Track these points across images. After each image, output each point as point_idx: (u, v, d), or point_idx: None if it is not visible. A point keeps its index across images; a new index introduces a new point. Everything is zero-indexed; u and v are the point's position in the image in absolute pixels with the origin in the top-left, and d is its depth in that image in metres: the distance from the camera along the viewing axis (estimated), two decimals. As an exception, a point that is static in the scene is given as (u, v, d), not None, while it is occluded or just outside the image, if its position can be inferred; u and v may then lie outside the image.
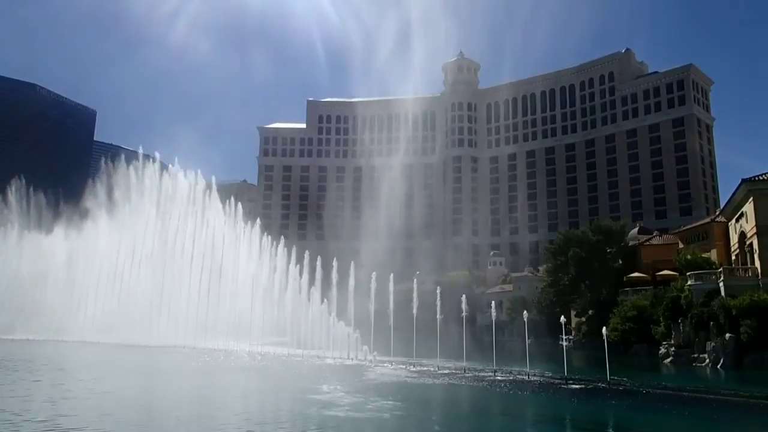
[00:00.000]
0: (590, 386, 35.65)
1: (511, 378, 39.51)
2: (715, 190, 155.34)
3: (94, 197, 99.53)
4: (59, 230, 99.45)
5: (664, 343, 60.30)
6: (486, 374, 41.19)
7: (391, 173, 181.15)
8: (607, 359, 38.11)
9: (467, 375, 41.17)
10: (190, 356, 55.08)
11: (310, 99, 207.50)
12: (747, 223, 61.51)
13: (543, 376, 39.74)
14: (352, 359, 52.50)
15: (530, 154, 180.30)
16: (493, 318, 52.18)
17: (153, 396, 31.29)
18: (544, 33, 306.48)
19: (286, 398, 31.83)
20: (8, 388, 30.72)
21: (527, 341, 47.28)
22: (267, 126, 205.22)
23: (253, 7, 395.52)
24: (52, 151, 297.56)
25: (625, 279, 78.01)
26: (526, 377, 39.29)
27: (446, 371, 43.19)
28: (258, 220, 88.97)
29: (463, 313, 52.42)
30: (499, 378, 39.54)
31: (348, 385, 34.08)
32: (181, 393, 33.27)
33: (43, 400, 27.60)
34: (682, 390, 33.79)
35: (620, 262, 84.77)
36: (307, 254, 73.92)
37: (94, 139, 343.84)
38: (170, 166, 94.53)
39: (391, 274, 62.62)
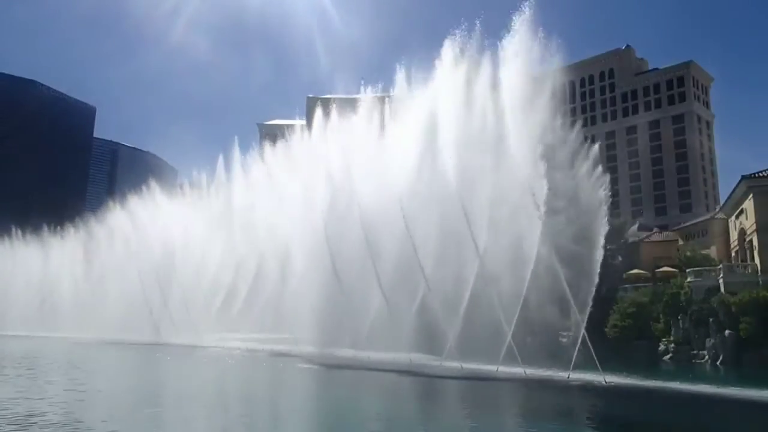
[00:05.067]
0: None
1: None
2: (715, 187, 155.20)
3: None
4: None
5: (664, 339, 60.37)
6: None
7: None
8: (595, 356, 38.14)
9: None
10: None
11: (310, 95, 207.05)
12: (747, 219, 61.58)
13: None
14: None
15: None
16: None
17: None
18: (545, 30, 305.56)
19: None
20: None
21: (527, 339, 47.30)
22: (266, 122, 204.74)
23: (253, 5, 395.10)
24: (51, 147, 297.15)
25: (624, 276, 78.01)
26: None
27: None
28: None
29: None
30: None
31: None
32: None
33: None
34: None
35: (620, 258, 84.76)
36: None
37: (94, 135, 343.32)
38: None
39: None
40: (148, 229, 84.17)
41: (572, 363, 39.62)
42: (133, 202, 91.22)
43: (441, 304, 46.58)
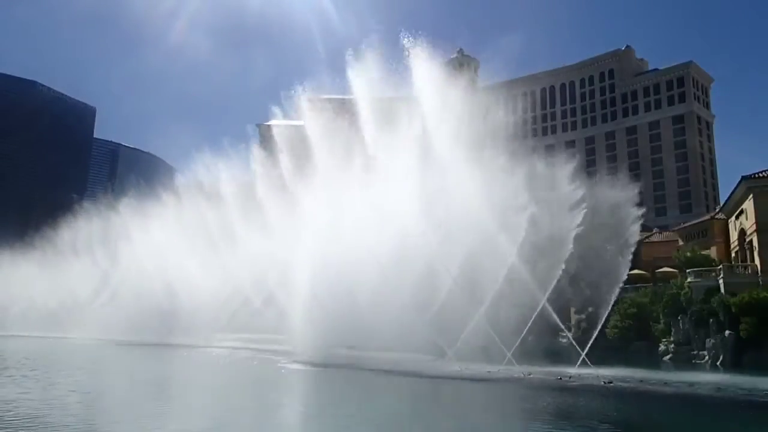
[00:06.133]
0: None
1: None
2: (715, 187, 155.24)
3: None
4: None
5: (664, 340, 60.34)
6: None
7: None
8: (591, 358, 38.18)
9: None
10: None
11: (311, 96, 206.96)
12: (747, 220, 61.50)
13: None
14: None
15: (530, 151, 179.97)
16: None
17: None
18: (545, 30, 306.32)
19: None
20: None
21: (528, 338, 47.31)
22: (266, 123, 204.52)
23: (253, 5, 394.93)
24: (51, 147, 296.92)
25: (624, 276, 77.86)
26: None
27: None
28: None
29: None
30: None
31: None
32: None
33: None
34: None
35: (620, 259, 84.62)
36: None
37: (94, 136, 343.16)
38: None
39: None
40: (156, 238, 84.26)
41: (577, 364, 39.74)
42: (141, 211, 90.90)
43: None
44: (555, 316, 43.12)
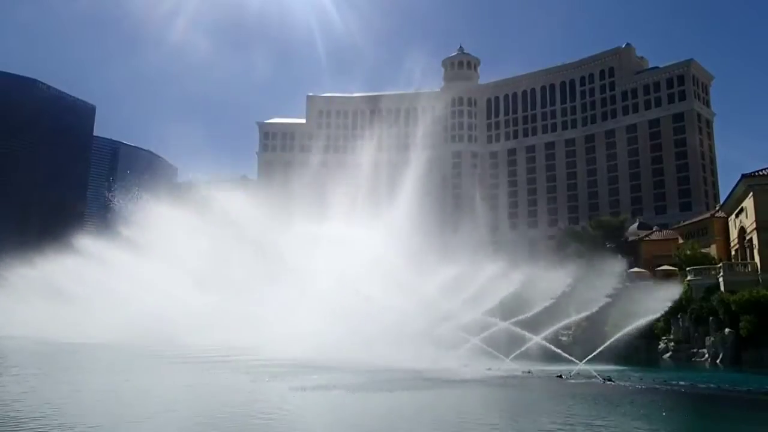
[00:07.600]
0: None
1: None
2: (715, 185, 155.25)
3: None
4: None
5: (664, 338, 60.49)
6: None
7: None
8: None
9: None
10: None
11: (310, 94, 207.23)
12: (747, 218, 61.63)
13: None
14: None
15: (530, 149, 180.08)
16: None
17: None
18: (545, 28, 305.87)
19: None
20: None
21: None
22: (266, 121, 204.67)
23: (253, 5, 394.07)
24: (52, 146, 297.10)
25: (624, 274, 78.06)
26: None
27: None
28: None
29: None
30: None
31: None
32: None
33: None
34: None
35: (620, 257, 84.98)
36: None
37: (94, 134, 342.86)
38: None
39: None
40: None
41: (583, 362, 39.90)
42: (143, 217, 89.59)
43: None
44: (551, 346, 44.05)
